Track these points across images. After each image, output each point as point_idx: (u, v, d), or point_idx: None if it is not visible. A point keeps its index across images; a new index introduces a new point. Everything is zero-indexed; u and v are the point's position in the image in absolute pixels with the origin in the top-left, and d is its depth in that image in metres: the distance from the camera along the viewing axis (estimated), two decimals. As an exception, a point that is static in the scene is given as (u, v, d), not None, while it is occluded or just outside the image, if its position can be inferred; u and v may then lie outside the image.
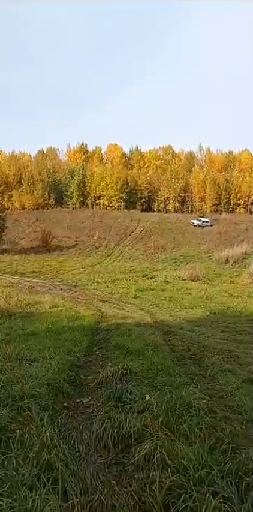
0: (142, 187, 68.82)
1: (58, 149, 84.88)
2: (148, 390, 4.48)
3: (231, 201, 66.09)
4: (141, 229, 52.47)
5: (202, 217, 58.78)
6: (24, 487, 2.41)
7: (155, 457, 2.88)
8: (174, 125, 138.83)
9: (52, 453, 2.83)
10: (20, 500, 2.28)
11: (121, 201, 65.67)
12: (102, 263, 37.49)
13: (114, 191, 65.51)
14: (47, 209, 64.47)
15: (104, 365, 5.61)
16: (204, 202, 66.91)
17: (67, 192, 68.10)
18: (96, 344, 7.39)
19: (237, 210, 65.93)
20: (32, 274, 27.36)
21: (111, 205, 65.87)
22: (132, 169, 75.43)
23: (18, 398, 3.83)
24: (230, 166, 73.16)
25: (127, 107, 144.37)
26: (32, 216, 58.42)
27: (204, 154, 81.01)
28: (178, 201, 68.17)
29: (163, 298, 19.00)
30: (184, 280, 26.42)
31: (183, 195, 68.71)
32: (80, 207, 66.47)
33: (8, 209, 57.40)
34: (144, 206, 68.71)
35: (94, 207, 66.71)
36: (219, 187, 66.05)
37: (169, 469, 2.73)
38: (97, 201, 67.53)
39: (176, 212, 66.04)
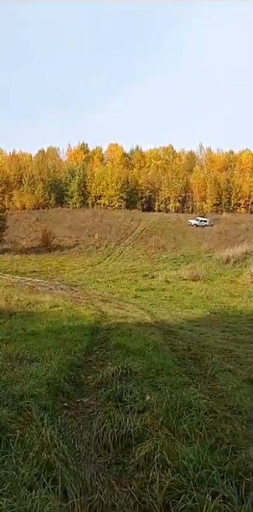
0: (143, 187, 68.84)
1: (59, 149, 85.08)
2: (149, 390, 4.48)
3: (232, 201, 66.08)
4: (142, 229, 52.47)
5: (203, 217, 58.73)
6: (24, 487, 2.41)
7: (155, 457, 2.87)
8: (174, 124, 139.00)
9: (52, 453, 2.82)
10: (20, 500, 2.28)
11: (121, 200, 65.70)
12: (103, 263, 37.50)
13: (115, 191, 65.55)
14: (48, 209, 64.53)
15: (104, 365, 5.61)
16: (204, 202, 66.91)
17: (67, 191, 68.15)
18: (97, 344, 7.39)
19: (238, 209, 65.92)
20: (33, 274, 27.38)
21: (111, 205, 65.91)
22: (132, 169, 75.45)
23: (18, 398, 3.83)
24: (231, 166, 73.11)
25: (127, 106, 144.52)
26: (33, 216, 58.48)
27: (204, 154, 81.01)
28: (179, 200, 68.18)
29: (163, 298, 19.01)
30: (185, 280, 26.41)
31: (184, 194, 68.72)
32: (80, 207, 66.51)
33: (8, 209, 57.49)
34: (145, 206, 68.74)
35: (94, 206, 66.76)
36: (220, 187, 66.03)
37: (169, 469, 2.72)
38: (97, 201, 67.58)
39: (177, 212, 66.06)
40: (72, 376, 5.02)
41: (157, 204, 69.55)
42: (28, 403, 3.69)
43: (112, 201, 66.05)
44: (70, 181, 68.24)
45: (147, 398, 4.15)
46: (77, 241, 46.90)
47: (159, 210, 67.72)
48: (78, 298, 17.04)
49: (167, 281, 25.23)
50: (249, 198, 66.83)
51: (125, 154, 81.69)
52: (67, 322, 9.23)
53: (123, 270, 31.40)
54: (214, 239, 46.11)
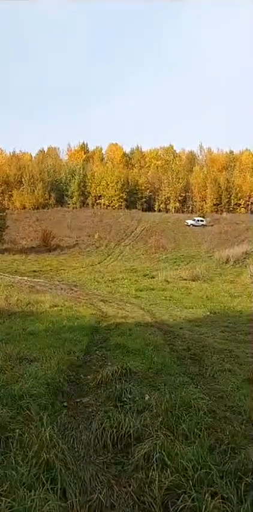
0: (143, 187, 68.88)
1: (59, 149, 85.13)
2: (148, 390, 4.48)
3: (232, 201, 66.14)
4: (142, 229, 52.49)
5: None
6: (23, 487, 2.42)
7: (154, 457, 2.88)
8: (174, 124, 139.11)
9: (51, 453, 2.83)
10: (19, 499, 2.28)
11: (121, 200, 65.73)
12: (103, 263, 37.50)
13: (115, 191, 65.58)
14: (48, 209, 64.55)
15: (103, 365, 5.61)
16: (204, 202, 66.97)
17: (67, 191, 68.17)
18: (96, 344, 7.38)
19: (238, 209, 65.98)
20: (33, 274, 27.36)
21: (111, 205, 65.94)
22: (132, 169, 75.50)
23: (17, 397, 3.83)
24: (231, 166, 73.17)
25: (128, 106, 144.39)
26: (33, 216, 58.49)
27: (204, 154, 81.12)
28: (179, 200, 68.24)
29: (163, 297, 18.97)
30: (185, 280, 26.38)
31: (184, 194, 68.79)
32: (80, 207, 66.54)
33: (8, 209, 57.55)
34: (145, 206, 68.79)
35: (94, 206, 66.80)
36: (220, 187, 66.08)
37: (168, 469, 2.73)
38: (97, 201, 67.61)
39: (177, 212, 66.13)
40: (72, 376, 5.02)
41: (157, 204, 69.59)
42: (27, 402, 3.69)
43: (112, 201, 66.08)
44: (70, 181, 68.25)
45: (147, 398, 4.15)
46: (76, 241, 46.92)
47: (159, 210, 67.77)
48: (78, 298, 17.03)
49: (167, 281, 25.21)
50: (249, 198, 66.88)
51: (125, 154, 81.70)
52: (67, 322, 9.23)
53: (123, 270, 31.39)
54: (214, 239, 46.12)
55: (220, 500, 2.44)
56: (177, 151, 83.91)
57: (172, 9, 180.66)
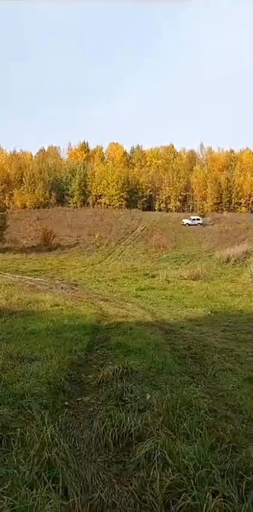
0: (144, 186, 68.87)
1: (59, 148, 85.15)
2: (149, 389, 4.48)
3: (232, 200, 66.12)
4: (142, 228, 52.47)
5: (203, 216, 58.67)
6: (24, 485, 2.42)
7: (156, 456, 2.88)
8: (175, 123, 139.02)
9: (53, 452, 2.83)
10: (21, 498, 2.28)
11: (122, 200, 65.73)
12: (103, 262, 37.49)
13: (115, 190, 65.58)
14: (48, 208, 64.57)
15: (104, 364, 5.61)
16: (205, 201, 66.97)
17: (68, 191, 68.19)
18: (97, 343, 7.38)
19: (238, 209, 65.95)
20: (33, 273, 27.39)
21: (112, 204, 65.94)
22: (133, 168, 75.51)
23: (19, 396, 3.84)
24: (231, 165, 73.15)
25: (128, 105, 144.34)
26: (33, 215, 58.49)
27: (205, 153, 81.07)
28: (180, 200, 68.23)
29: (164, 297, 18.98)
30: (185, 279, 26.36)
31: (184, 194, 68.79)
32: (81, 206, 66.56)
33: (9, 208, 57.63)
34: (145, 205, 68.78)
35: (95, 206, 66.81)
36: (220, 186, 66.07)
37: (169, 468, 2.73)
38: (98, 200, 67.62)
39: (177, 211, 66.13)
40: (73, 375, 5.02)
41: (157, 203, 69.58)
42: (29, 401, 3.70)
43: (112, 200, 66.08)
44: (70, 181, 68.28)
45: (148, 397, 4.15)
46: (77, 240, 46.91)
47: (160, 210, 67.76)
48: (79, 297, 17.04)
49: (168, 280, 25.21)
50: (249, 197, 66.87)
51: (125, 154, 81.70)
52: (68, 321, 9.23)
53: (123, 269, 31.38)
54: (215, 238, 46.09)
55: (222, 499, 2.44)
56: (178, 151, 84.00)
57: (172, 9, 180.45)
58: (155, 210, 67.81)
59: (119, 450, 3.20)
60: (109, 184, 66.11)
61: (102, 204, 66.86)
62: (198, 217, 55.74)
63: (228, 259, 35.39)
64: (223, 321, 13.16)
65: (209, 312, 15.16)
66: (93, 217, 56.82)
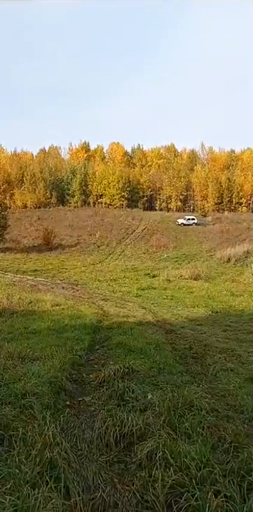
0: (144, 186, 68.85)
1: (60, 148, 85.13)
2: (151, 389, 4.48)
3: (233, 200, 66.07)
4: (143, 228, 52.43)
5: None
6: (26, 485, 2.42)
7: (157, 456, 2.88)
8: (176, 123, 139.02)
9: (54, 451, 2.83)
10: (23, 497, 2.29)
11: (123, 199, 65.71)
12: (104, 262, 37.47)
13: (116, 190, 65.55)
14: (49, 208, 64.59)
15: (105, 363, 5.61)
16: (206, 201, 66.89)
17: (69, 190, 68.19)
18: (98, 342, 7.39)
19: (239, 208, 65.90)
20: (34, 273, 27.39)
21: (113, 204, 65.92)
22: (134, 168, 75.46)
23: (20, 396, 3.84)
24: (232, 165, 73.03)
25: (129, 105, 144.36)
26: (34, 215, 58.50)
27: (206, 153, 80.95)
28: (180, 199, 68.20)
29: (165, 297, 18.98)
30: (186, 279, 26.35)
31: (185, 193, 68.72)
32: (81, 206, 66.56)
33: (10, 208, 57.64)
34: (146, 205, 68.78)
35: (96, 205, 66.78)
36: (221, 186, 66.03)
37: (171, 468, 2.73)
38: (99, 200, 67.60)
39: (178, 211, 66.08)
40: (74, 375, 5.03)
41: (158, 203, 69.56)
42: (30, 401, 3.70)
43: (113, 200, 66.06)
44: (71, 180, 68.29)
45: (149, 397, 4.15)
46: (78, 240, 46.86)
47: (161, 209, 67.73)
48: (80, 297, 17.06)
49: (169, 280, 25.19)
50: (250, 197, 66.82)
51: (126, 153, 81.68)
52: (69, 320, 9.24)
53: (124, 269, 31.36)
54: (216, 238, 46.03)
55: (223, 499, 2.44)
56: (179, 151, 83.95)
57: (173, 9, 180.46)
58: (156, 209, 67.79)
59: (121, 450, 3.20)
60: (110, 184, 66.09)
61: (103, 204, 66.84)
62: (193, 216, 55.29)
63: (229, 259, 35.35)
64: (224, 320, 13.15)
65: (210, 312, 15.15)
66: (94, 217, 56.78)
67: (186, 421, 3.47)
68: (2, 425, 3.20)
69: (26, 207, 64.79)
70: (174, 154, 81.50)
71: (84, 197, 68.05)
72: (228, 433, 3.34)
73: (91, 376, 5.08)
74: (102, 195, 67.53)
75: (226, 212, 63.09)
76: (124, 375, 4.83)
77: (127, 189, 66.21)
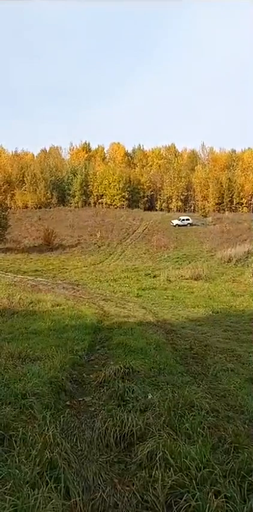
0: (145, 186, 68.81)
1: (61, 148, 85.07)
2: (151, 389, 4.48)
3: (234, 200, 66.01)
4: (144, 228, 52.40)
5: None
6: (26, 485, 2.42)
7: (158, 456, 2.87)
8: (176, 123, 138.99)
9: (54, 451, 2.83)
10: (23, 498, 2.28)
11: (123, 199, 65.69)
12: (105, 262, 37.45)
13: (117, 190, 65.54)
14: (50, 208, 64.60)
15: (106, 364, 5.61)
16: (206, 201, 66.85)
17: (70, 190, 68.19)
18: (99, 342, 7.39)
19: (240, 209, 65.84)
20: (35, 273, 27.41)
21: (113, 204, 65.92)
22: (134, 168, 75.43)
23: (20, 396, 3.84)
24: (233, 165, 72.95)
25: (129, 105, 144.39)
26: (35, 215, 58.53)
27: (206, 153, 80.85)
28: (181, 199, 68.16)
29: (165, 297, 18.98)
30: (187, 279, 26.34)
31: (186, 194, 68.66)
32: (82, 206, 66.56)
33: (10, 208, 57.66)
34: (147, 205, 68.74)
35: (96, 205, 66.78)
36: (222, 186, 65.96)
37: (171, 468, 2.73)
38: (99, 200, 67.61)
39: (179, 211, 66.00)
40: (75, 375, 5.03)
41: (159, 203, 69.51)
42: (31, 401, 3.70)
43: (114, 200, 66.05)
44: (72, 181, 68.28)
45: (149, 397, 4.15)
46: (78, 240, 46.85)
47: (161, 209, 67.70)
48: (80, 297, 17.06)
49: (169, 280, 25.19)
50: (251, 197, 66.73)
51: (126, 154, 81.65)
52: (69, 321, 9.25)
53: (125, 269, 31.36)
54: (216, 238, 45.97)
55: (224, 500, 2.44)
56: (179, 151, 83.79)
57: (173, 9, 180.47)
58: (156, 210, 67.75)
59: (121, 450, 3.20)
60: (110, 184, 66.08)
61: (104, 204, 66.84)
62: (187, 217, 54.91)
63: (230, 259, 35.29)
64: (225, 321, 13.14)
65: (210, 312, 15.14)
66: (94, 217, 56.77)
67: (187, 422, 3.46)
68: (2, 425, 3.19)
69: (26, 207, 64.82)
70: (175, 154, 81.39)
71: (84, 197, 68.05)
72: (228, 433, 3.34)
73: (91, 376, 5.08)
74: (102, 195, 67.53)
75: (226, 212, 63.02)
76: (124, 375, 4.83)
77: (128, 189, 66.19)
